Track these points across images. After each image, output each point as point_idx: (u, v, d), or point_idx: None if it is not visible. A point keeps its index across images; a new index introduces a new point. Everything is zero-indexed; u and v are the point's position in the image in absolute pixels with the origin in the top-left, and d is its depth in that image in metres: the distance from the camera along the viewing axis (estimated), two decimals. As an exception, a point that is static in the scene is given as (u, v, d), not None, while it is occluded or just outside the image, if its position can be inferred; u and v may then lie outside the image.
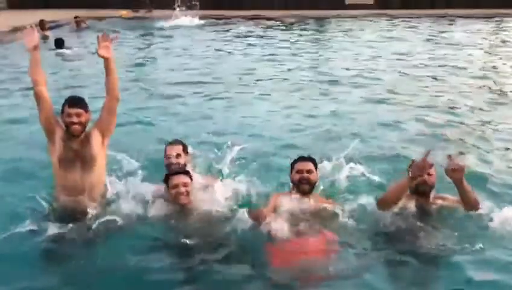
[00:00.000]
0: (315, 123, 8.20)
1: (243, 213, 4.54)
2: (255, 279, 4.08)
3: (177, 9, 22.31)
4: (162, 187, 4.90)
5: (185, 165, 5.08)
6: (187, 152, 5.25)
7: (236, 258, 4.32)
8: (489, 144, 7.15)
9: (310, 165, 4.86)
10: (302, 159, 4.95)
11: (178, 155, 5.10)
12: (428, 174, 4.64)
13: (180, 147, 5.18)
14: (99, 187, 4.84)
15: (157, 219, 4.73)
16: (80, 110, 4.68)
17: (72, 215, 4.63)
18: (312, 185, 4.85)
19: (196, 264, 4.21)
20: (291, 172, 4.93)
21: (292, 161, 5.00)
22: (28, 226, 4.48)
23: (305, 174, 4.80)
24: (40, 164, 5.86)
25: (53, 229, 4.46)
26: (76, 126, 4.67)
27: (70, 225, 4.49)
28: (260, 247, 4.41)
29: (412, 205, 4.69)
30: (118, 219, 4.58)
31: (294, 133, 7.72)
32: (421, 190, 4.67)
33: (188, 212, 4.72)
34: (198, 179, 5.09)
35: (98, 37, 4.70)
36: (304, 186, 4.81)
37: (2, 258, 4.22)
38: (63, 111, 4.71)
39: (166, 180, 4.74)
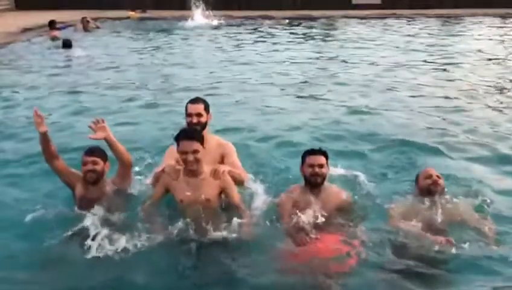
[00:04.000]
0: (324, 123, 8.20)
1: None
2: (266, 277, 4.11)
3: (193, 10, 22.28)
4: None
5: (205, 124, 5.00)
6: (208, 111, 5.10)
7: (248, 256, 4.34)
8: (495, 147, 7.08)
9: (322, 159, 4.75)
10: (313, 152, 4.82)
11: (199, 114, 5.00)
12: (438, 177, 4.80)
13: (202, 106, 5.03)
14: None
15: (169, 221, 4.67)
16: (96, 159, 4.86)
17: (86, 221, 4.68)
18: (324, 178, 4.78)
19: (205, 263, 4.24)
20: (302, 164, 4.83)
21: (303, 153, 4.88)
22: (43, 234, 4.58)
23: (317, 169, 4.71)
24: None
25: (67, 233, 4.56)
26: (92, 174, 4.86)
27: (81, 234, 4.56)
28: (273, 247, 4.42)
29: (423, 206, 4.71)
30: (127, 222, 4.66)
31: (302, 133, 7.70)
32: (433, 191, 4.77)
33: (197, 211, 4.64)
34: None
35: (90, 126, 4.80)
36: (315, 178, 4.74)
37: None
38: (82, 160, 4.92)
39: (177, 140, 4.58)
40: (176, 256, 4.34)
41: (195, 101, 5.11)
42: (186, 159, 4.52)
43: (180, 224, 4.53)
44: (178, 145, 4.56)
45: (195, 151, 4.50)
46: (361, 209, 4.97)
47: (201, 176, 4.64)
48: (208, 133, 5.07)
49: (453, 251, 4.25)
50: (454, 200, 4.86)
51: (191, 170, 4.58)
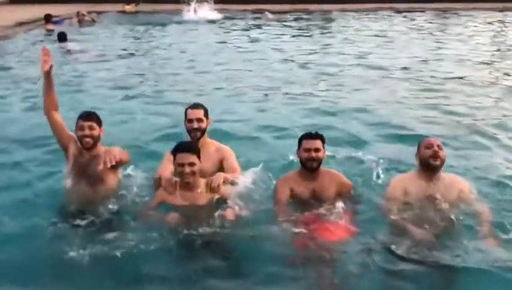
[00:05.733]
0: (320, 117, 8.15)
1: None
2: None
3: (189, 3, 22.17)
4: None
5: (205, 129, 5.05)
6: (208, 116, 5.12)
7: (244, 250, 4.30)
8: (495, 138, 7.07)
9: (318, 143, 4.67)
10: (309, 136, 4.73)
11: (200, 120, 5.02)
12: (439, 148, 4.59)
13: (202, 111, 5.06)
14: (108, 198, 4.79)
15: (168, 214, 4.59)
16: (93, 124, 4.78)
17: (78, 216, 4.60)
18: (320, 162, 4.73)
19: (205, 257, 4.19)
20: (299, 148, 4.75)
21: (300, 137, 4.81)
22: (35, 223, 4.54)
23: (313, 154, 4.64)
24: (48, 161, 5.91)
25: (58, 231, 4.47)
26: (88, 139, 4.76)
27: (75, 225, 4.48)
28: (270, 237, 4.37)
29: (420, 186, 4.61)
30: (123, 221, 4.58)
31: (300, 125, 7.60)
32: (432, 165, 4.57)
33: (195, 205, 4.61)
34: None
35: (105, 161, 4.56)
36: (311, 163, 4.68)
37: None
38: (77, 125, 4.81)
39: (174, 153, 4.58)
40: (171, 255, 4.26)
41: (195, 106, 5.14)
42: (182, 171, 4.53)
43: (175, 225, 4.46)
44: (175, 158, 4.56)
45: (192, 164, 4.51)
46: (361, 192, 4.96)
47: (198, 189, 4.64)
48: (206, 138, 5.13)
49: (446, 244, 4.22)
50: (455, 178, 4.77)
51: (187, 182, 4.57)
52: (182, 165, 4.49)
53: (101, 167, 4.51)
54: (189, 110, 5.09)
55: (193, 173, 4.52)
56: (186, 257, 4.23)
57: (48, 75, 4.82)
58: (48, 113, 4.92)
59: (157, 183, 4.88)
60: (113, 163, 4.50)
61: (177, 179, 4.66)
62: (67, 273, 4.03)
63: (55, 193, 5.05)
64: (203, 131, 5.04)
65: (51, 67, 4.79)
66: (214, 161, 5.06)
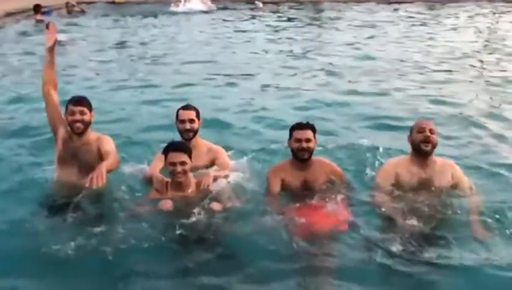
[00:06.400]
0: (313, 106, 8.14)
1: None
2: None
3: None
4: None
5: (197, 130, 5.07)
6: (199, 117, 5.14)
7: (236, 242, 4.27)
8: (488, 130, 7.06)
9: (309, 134, 4.65)
10: (300, 126, 4.71)
11: (192, 120, 5.04)
12: (431, 133, 4.54)
13: (194, 112, 5.10)
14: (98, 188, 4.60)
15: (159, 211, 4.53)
16: (84, 108, 4.73)
17: (66, 209, 4.51)
18: (311, 153, 4.71)
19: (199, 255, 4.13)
20: (290, 138, 4.73)
21: (291, 127, 4.78)
22: (21, 216, 4.49)
23: (304, 144, 4.62)
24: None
25: (46, 222, 4.43)
26: (79, 124, 4.70)
27: (64, 219, 4.41)
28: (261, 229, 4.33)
29: (413, 171, 4.60)
30: (112, 214, 4.53)
31: (292, 114, 7.53)
32: (424, 150, 4.54)
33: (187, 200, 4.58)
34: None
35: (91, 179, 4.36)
36: (302, 154, 4.67)
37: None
38: (67, 109, 4.75)
39: (166, 152, 4.56)
40: (162, 249, 4.19)
41: (186, 107, 5.16)
42: (174, 171, 4.52)
43: (166, 220, 4.44)
44: (166, 157, 4.55)
45: (183, 163, 4.50)
46: (353, 181, 4.97)
47: (189, 189, 4.64)
48: (198, 139, 5.15)
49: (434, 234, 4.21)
50: (448, 162, 4.76)
51: (179, 182, 4.56)
52: (174, 164, 4.49)
53: (87, 185, 4.31)
54: (181, 111, 5.11)
55: (184, 172, 4.53)
56: (177, 252, 4.19)
57: (51, 51, 4.82)
58: (46, 91, 4.84)
59: (147, 181, 4.86)
60: (102, 183, 4.32)
61: (168, 179, 4.64)
62: (55, 267, 3.96)
63: (43, 183, 5.00)
64: (195, 131, 5.07)
65: (54, 43, 4.80)
66: (206, 161, 5.09)
